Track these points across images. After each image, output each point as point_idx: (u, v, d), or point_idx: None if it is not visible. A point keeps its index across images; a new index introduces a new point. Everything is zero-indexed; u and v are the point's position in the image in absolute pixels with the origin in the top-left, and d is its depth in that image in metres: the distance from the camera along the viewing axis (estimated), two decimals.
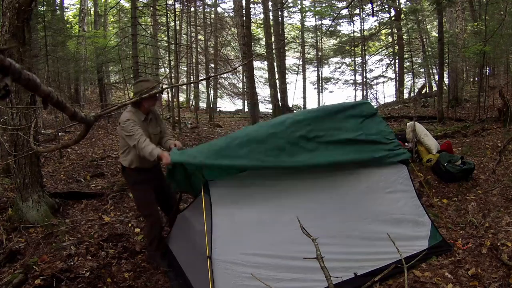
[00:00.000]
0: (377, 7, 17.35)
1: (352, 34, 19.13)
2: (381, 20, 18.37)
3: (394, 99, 18.92)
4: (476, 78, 16.93)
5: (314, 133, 3.04)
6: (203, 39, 18.17)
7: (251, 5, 15.78)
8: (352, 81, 19.46)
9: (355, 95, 18.39)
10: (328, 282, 2.10)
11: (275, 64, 17.47)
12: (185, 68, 17.78)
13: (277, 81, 17.83)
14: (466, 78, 18.42)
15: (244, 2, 10.21)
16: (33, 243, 3.73)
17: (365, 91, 17.89)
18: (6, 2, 3.66)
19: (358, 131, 3.23)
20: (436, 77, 14.42)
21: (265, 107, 19.41)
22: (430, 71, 17.10)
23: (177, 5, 14.28)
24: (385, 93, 19.85)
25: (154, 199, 3.50)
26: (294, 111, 15.32)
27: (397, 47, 18.65)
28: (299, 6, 20.15)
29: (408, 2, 17.90)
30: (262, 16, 18.75)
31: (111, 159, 7.55)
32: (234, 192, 2.94)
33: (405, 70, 18.98)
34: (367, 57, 19.11)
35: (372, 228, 3.07)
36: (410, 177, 3.40)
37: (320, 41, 20.72)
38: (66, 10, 16.95)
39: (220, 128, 12.97)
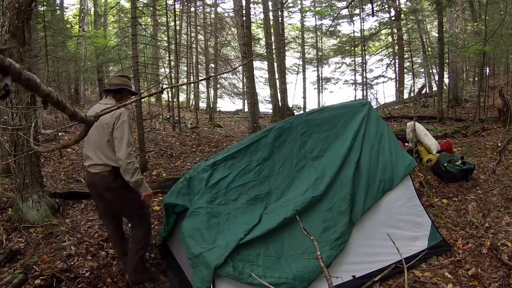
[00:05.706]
0: (377, 7, 17.37)
1: (352, 34, 19.16)
2: (381, 20, 18.40)
3: (394, 99, 18.94)
4: (476, 78, 16.93)
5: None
6: (203, 39, 18.16)
7: (251, 5, 15.76)
8: (352, 81, 19.49)
9: (355, 95, 18.43)
10: (328, 282, 2.10)
11: (275, 64, 17.45)
12: (185, 68, 17.78)
13: (277, 81, 17.80)
14: (466, 78, 18.44)
15: (244, 2, 10.20)
16: (33, 243, 3.72)
17: (365, 91, 17.91)
18: (6, 2, 3.66)
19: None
20: (436, 77, 14.42)
21: (265, 107, 19.41)
22: (430, 71, 17.10)
23: (177, 5, 14.29)
24: (385, 93, 20.02)
25: None
26: (295, 112, 15.31)
27: (397, 47, 18.66)
28: (299, 6, 20.16)
29: (408, 2, 17.90)
30: (262, 16, 18.71)
31: None
32: None
33: (405, 70, 19.00)
34: (367, 57, 19.15)
35: (371, 228, 3.07)
36: (410, 176, 3.39)
37: (320, 41, 20.72)
38: (66, 10, 16.97)
39: (220, 128, 12.96)
